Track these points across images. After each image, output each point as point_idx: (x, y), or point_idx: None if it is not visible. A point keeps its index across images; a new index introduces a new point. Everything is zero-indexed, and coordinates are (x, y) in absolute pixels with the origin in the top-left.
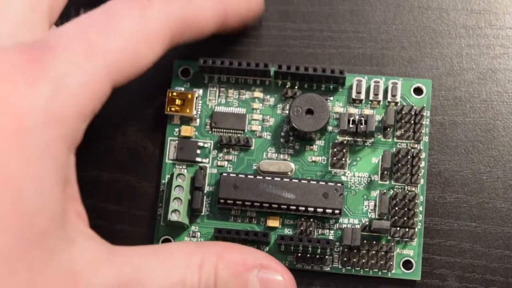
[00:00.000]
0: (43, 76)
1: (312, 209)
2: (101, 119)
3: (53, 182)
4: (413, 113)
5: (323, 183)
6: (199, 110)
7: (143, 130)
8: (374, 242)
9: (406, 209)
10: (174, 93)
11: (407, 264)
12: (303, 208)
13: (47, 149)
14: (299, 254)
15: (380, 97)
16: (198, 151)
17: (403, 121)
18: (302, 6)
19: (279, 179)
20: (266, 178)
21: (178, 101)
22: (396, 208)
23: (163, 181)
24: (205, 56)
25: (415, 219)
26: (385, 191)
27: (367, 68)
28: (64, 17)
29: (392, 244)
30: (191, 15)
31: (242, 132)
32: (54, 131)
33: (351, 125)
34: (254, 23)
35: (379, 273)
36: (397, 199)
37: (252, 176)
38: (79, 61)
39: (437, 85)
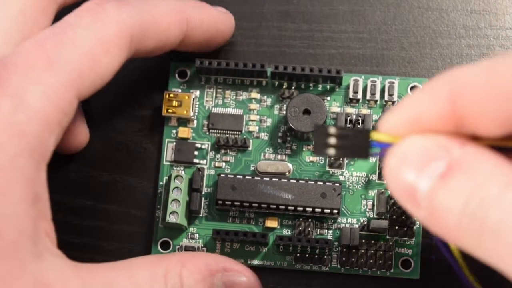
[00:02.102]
0: (3, 93)
1: (310, 209)
2: (101, 120)
3: (20, 195)
4: None
5: (321, 183)
6: (196, 111)
7: (143, 131)
8: (373, 242)
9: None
10: (171, 95)
11: (406, 263)
12: (301, 209)
13: (13, 162)
14: (298, 255)
15: (377, 96)
16: (196, 153)
17: None
18: (302, 6)
19: (277, 179)
20: (264, 178)
21: (175, 103)
22: (394, 207)
23: (161, 183)
24: (206, 57)
25: (413, 218)
26: (383, 190)
27: (367, 69)
28: None
29: (391, 243)
30: (148, 20)
31: (240, 133)
32: (20, 144)
33: (348, 125)
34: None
35: (378, 272)
36: (395, 198)
37: (250, 177)
38: (38, 74)
39: None
